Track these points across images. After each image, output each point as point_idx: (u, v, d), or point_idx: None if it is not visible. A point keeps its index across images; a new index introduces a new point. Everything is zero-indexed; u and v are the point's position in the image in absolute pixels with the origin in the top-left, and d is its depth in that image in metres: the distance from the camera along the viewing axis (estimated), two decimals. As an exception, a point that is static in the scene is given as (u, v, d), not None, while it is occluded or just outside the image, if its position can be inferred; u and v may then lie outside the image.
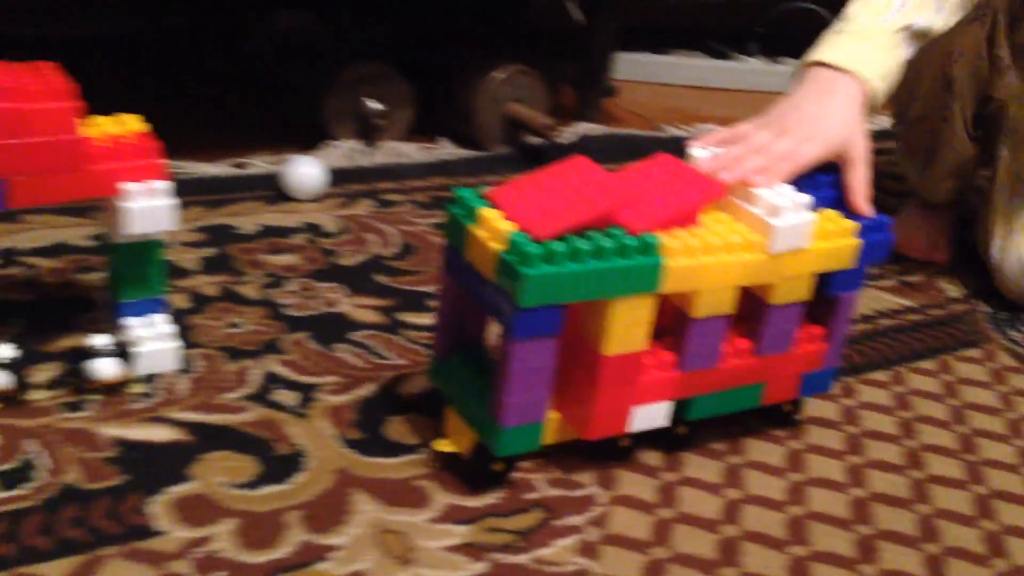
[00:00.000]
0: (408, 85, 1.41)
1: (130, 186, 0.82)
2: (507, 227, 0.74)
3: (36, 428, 0.81)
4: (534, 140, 1.50)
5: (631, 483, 0.83)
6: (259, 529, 0.74)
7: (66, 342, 0.91)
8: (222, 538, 0.73)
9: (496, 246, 0.73)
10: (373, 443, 0.84)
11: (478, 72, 1.45)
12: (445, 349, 0.83)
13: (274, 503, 0.77)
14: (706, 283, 0.79)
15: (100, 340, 0.85)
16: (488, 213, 0.75)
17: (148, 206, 0.84)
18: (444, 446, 0.81)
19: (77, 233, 1.11)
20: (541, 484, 0.82)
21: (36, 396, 0.84)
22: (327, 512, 0.77)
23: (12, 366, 0.82)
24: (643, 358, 0.80)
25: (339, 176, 1.32)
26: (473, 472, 0.80)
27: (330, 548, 0.73)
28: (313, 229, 1.20)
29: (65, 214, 1.14)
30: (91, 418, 0.83)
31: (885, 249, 0.87)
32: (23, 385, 0.83)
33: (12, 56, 0.82)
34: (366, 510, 0.77)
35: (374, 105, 1.37)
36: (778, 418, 0.92)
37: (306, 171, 1.24)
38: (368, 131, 1.39)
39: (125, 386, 0.86)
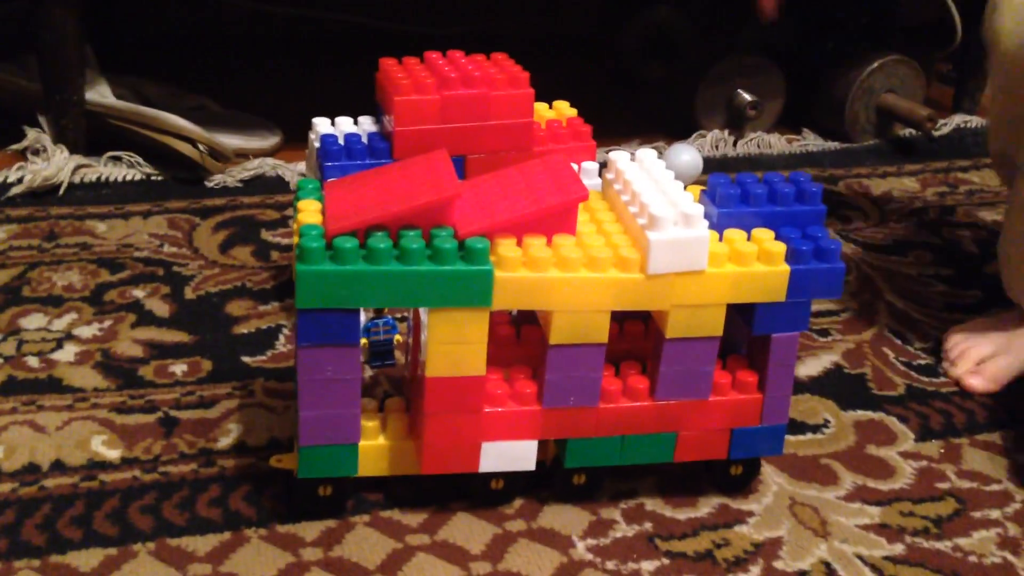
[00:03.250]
0: (781, 76, 1.38)
1: (588, 165, 0.81)
2: (312, 220, 0.63)
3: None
4: (907, 132, 1.42)
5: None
6: (678, 488, 0.74)
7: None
8: (648, 492, 0.74)
9: (296, 241, 0.62)
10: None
11: (852, 62, 1.39)
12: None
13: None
14: (561, 304, 0.63)
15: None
16: (306, 205, 0.64)
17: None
18: (280, 462, 0.70)
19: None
20: (951, 474, 0.78)
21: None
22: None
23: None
24: (490, 386, 0.65)
25: (706, 166, 1.24)
26: (295, 493, 0.68)
27: (748, 513, 0.73)
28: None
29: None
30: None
31: (834, 281, 0.67)
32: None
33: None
34: (777, 482, 0.75)
35: (747, 96, 1.34)
36: (724, 480, 0.74)
37: (686, 159, 1.19)
38: (738, 122, 1.36)
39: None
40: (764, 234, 0.66)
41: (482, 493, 0.71)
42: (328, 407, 0.64)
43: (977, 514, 0.75)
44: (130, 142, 1.17)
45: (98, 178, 1.14)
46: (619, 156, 0.72)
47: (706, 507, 0.73)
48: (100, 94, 1.16)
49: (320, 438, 0.65)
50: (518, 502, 0.71)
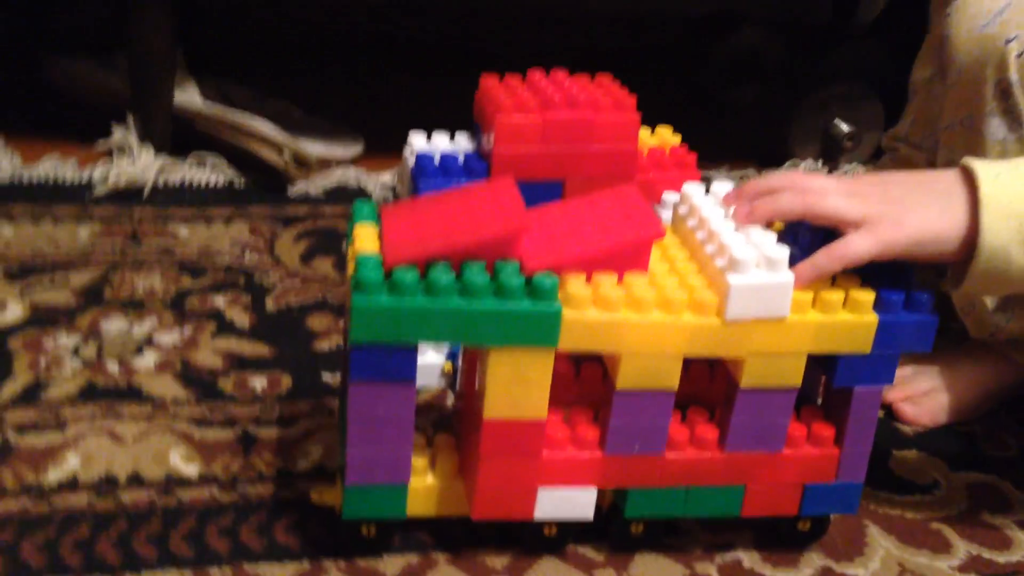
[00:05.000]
0: (880, 106, 1.34)
1: (669, 195, 0.79)
2: (370, 248, 0.62)
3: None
4: None
5: None
6: (776, 543, 0.72)
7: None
8: (744, 546, 0.72)
9: (351, 269, 0.62)
10: (883, 478, 0.78)
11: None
12: (341, 386, 0.71)
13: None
14: (630, 346, 0.61)
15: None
16: (362, 231, 0.64)
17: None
18: (320, 496, 0.69)
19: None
20: None
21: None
22: (845, 540, 0.73)
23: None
24: (549, 429, 0.64)
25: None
26: (340, 532, 0.68)
27: None
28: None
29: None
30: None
31: (924, 333, 0.64)
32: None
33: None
34: (884, 546, 0.73)
35: (845, 127, 1.31)
36: (790, 535, 0.71)
37: None
38: (833, 153, 1.33)
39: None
40: (850, 280, 0.64)
41: (534, 539, 0.69)
42: (378, 446, 0.63)
43: None
44: (214, 145, 1.18)
45: (181, 180, 1.15)
46: (693, 189, 0.70)
47: (808, 568, 0.71)
48: (188, 96, 1.17)
49: (368, 477, 0.64)
50: (605, 551, 0.70)
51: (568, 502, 0.66)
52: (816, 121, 1.31)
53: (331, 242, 1.06)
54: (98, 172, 1.14)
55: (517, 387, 0.61)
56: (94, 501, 0.70)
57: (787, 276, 0.61)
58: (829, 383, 0.66)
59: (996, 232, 0.63)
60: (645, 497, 0.67)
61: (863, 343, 0.64)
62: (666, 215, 0.74)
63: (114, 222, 1.07)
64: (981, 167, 0.64)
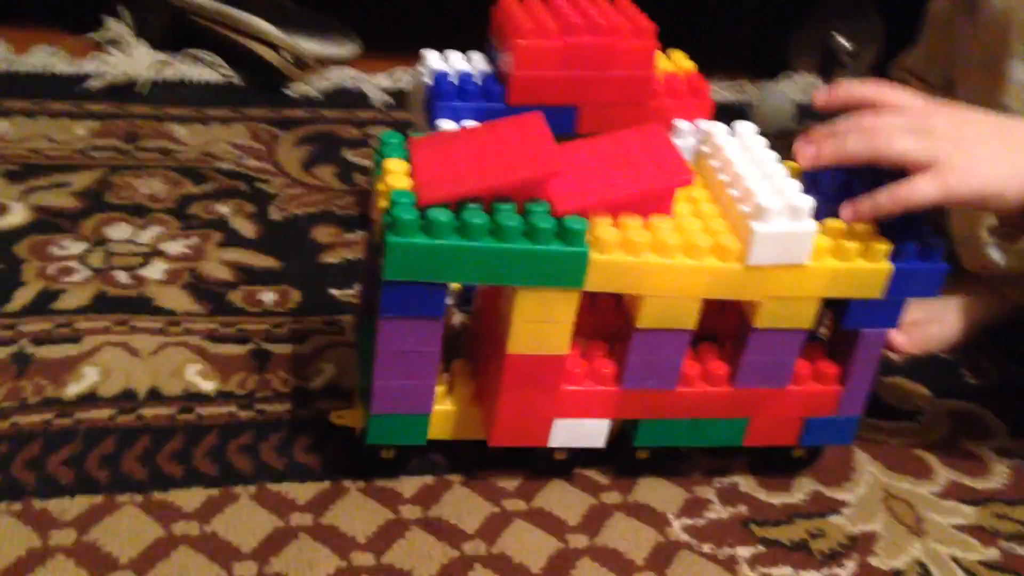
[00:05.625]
0: (881, 21, 1.34)
1: (682, 123, 0.79)
2: (400, 183, 0.62)
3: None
4: None
5: None
6: (770, 469, 0.75)
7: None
8: (740, 470, 0.75)
9: (383, 205, 0.62)
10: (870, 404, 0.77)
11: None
12: (362, 312, 0.73)
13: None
14: (653, 288, 0.63)
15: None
16: (393, 165, 0.64)
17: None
18: (341, 418, 0.71)
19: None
20: None
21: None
22: (834, 466, 0.76)
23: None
24: (568, 363, 0.66)
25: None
26: (360, 454, 0.70)
27: (842, 503, 0.74)
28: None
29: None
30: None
31: (934, 280, 0.67)
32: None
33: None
34: (871, 471, 0.77)
35: (845, 43, 1.31)
36: (783, 461, 0.75)
37: (780, 104, 1.19)
38: (830, 66, 1.33)
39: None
40: (866, 227, 0.66)
41: (544, 463, 0.71)
42: (404, 378, 0.64)
43: None
44: (210, 41, 1.16)
45: (177, 77, 1.13)
46: (717, 129, 0.71)
47: (800, 492, 0.74)
48: (184, -12, 1.15)
49: (392, 407, 0.66)
50: (610, 474, 0.72)
51: (582, 431, 0.68)
52: (815, 34, 1.32)
53: (332, 149, 1.06)
54: (91, 66, 1.12)
55: (541, 325, 0.63)
56: (116, 416, 0.72)
57: (810, 225, 0.63)
58: (838, 323, 0.68)
59: None
60: (654, 427, 0.69)
61: (876, 289, 0.66)
62: (679, 142, 0.75)
63: (109, 119, 1.06)
64: None
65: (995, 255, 0.86)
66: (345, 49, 1.22)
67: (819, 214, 0.65)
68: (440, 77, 0.81)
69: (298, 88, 1.15)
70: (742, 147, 0.69)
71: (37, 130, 1.02)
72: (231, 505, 0.66)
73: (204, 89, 1.13)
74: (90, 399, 0.72)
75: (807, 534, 0.71)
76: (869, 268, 0.65)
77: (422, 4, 1.39)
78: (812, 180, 0.67)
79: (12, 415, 0.70)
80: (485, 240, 0.60)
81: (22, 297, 0.81)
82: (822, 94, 0.68)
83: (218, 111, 1.10)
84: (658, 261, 0.62)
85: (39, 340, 0.77)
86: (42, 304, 0.80)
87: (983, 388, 0.87)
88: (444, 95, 0.80)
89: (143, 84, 1.10)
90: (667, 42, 0.84)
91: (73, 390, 0.73)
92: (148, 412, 0.72)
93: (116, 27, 1.13)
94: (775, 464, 0.75)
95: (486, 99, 0.80)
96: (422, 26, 1.33)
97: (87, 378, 0.74)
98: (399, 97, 1.17)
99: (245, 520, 0.65)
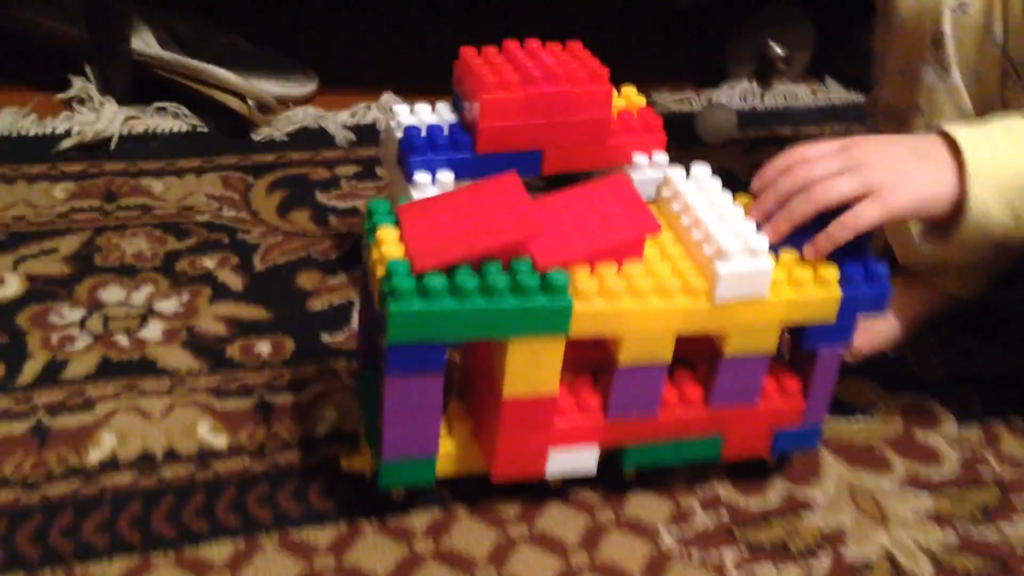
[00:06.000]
0: (812, 28, 1.40)
1: (638, 157, 0.89)
2: (395, 251, 0.68)
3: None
4: None
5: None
6: (745, 473, 0.82)
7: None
8: (718, 476, 0.82)
9: (381, 271, 0.68)
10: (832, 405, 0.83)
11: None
12: (362, 362, 0.78)
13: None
14: (631, 330, 0.70)
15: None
16: (385, 234, 0.70)
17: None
18: (351, 463, 0.77)
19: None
20: (992, 460, 0.87)
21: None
22: (803, 467, 0.84)
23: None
24: (559, 400, 0.72)
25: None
26: (374, 496, 0.75)
27: (813, 501, 0.81)
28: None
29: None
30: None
31: (879, 301, 0.74)
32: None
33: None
34: (837, 469, 0.84)
35: (779, 50, 1.38)
36: (757, 465, 0.82)
37: (724, 116, 1.24)
38: (767, 74, 1.40)
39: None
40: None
41: (541, 488, 0.78)
42: (410, 427, 0.70)
43: (1017, 500, 0.83)
44: (173, 91, 1.20)
45: (145, 130, 1.17)
46: (676, 174, 0.77)
47: (774, 493, 0.81)
48: (145, 43, 1.18)
49: (401, 453, 0.71)
50: (601, 491, 0.79)
51: (575, 460, 0.75)
52: (751, 42, 1.38)
53: (304, 192, 1.11)
54: (61, 126, 1.15)
55: (532, 369, 0.69)
56: (139, 480, 0.76)
57: (767, 262, 0.70)
58: (797, 344, 0.75)
59: (981, 198, 0.72)
60: (640, 450, 0.76)
61: (829, 314, 0.73)
62: (636, 176, 0.81)
63: (86, 179, 1.09)
64: (961, 134, 0.73)
65: (925, 247, 0.93)
66: (305, 88, 1.27)
67: (777, 245, 0.72)
68: (411, 131, 0.86)
69: (263, 132, 1.19)
70: (699, 189, 0.75)
71: (18, 196, 1.06)
72: (258, 554, 0.72)
73: (173, 139, 1.17)
74: (111, 465, 0.77)
75: (785, 533, 0.78)
76: (822, 296, 0.72)
77: (376, 39, 1.43)
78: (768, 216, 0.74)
79: (41, 487, 0.75)
80: (477, 301, 0.66)
81: (31, 369, 0.85)
82: (756, 180, 0.75)
83: (189, 161, 1.14)
84: (634, 305, 0.69)
85: (54, 411, 0.81)
86: (51, 374, 0.85)
87: (930, 381, 0.95)
88: (417, 150, 0.85)
89: (114, 141, 1.13)
90: (613, 56, 0.89)
91: (94, 457, 0.78)
92: (168, 472, 0.77)
93: (82, 85, 1.17)
94: (750, 470, 0.82)
95: (456, 150, 0.86)
96: (376, 60, 1.38)
97: (105, 445, 0.79)
98: (361, 133, 1.22)
99: (273, 568, 0.71)
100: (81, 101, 1.17)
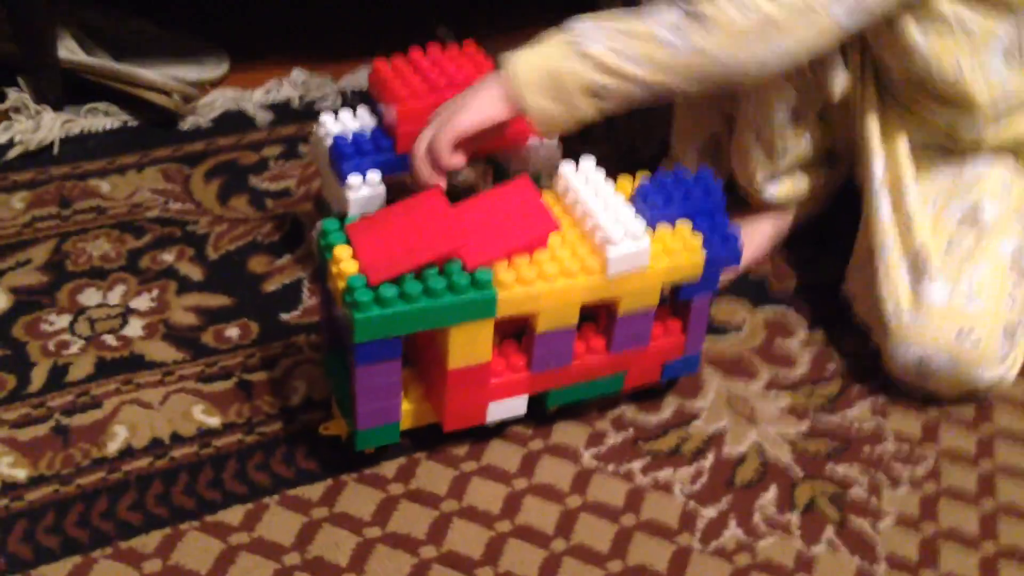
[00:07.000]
0: None
1: (533, 141, 1.05)
2: (351, 267, 0.84)
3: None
4: None
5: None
6: (647, 395, 1.01)
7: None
8: (626, 400, 1.01)
9: (342, 284, 0.84)
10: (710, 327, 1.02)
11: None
12: (327, 344, 0.95)
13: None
14: (544, 306, 0.88)
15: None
16: (340, 252, 0.85)
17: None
18: (327, 430, 0.95)
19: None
20: (836, 356, 1.08)
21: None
22: (689, 383, 1.03)
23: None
24: (493, 364, 0.90)
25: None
26: (350, 454, 0.94)
27: (699, 410, 1.01)
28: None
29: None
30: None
31: (734, 254, 0.93)
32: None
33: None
34: (716, 381, 1.04)
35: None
36: (651, 388, 1.02)
37: None
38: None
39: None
40: (684, 227, 0.91)
41: (482, 429, 0.96)
42: (377, 402, 0.88)
43: (855, 389, 1.04)
44: (101, 90, 1.30)
45: (81, 131, 1.29)
46: (568, 171, 0.94)
47: (668, 408, 1.01)
48: (70, 51, 1.28)
49: (372, 423, 0.89)
50: (531, 426, 0.98)
51: (508, 408, 0.94)
52: None
53: (239, 178, 1.25)
54: (2, 136, 1.26)
55: (470, 346, 0.87)
56: (154, 462, 0.93)
57: (646, 243, 0.88)
58: (675, 295, 0.94)
59: (532, 99, 0.90)
60: (560, 392, 0.95)
61: (697, 273, 0.92)
62: (532, 156, 0.97)
63: (38, 187, 1.21)
64: (510, 57, 0.91)
65: (771, 191, 1.13)
66: (218, 70, 1.38)
67: (652, 221, 0.91)
68: (338, 139, 1.01)
69: (189, 120, 1.31)
70: (586, 180, 0.93)
71: (-23, 208, 1.18)
72: (265, 513, 0.89)
73: (108, 137, 1.29)
74: (129, 453, 0.93)
75: (679, 440, 0.98)
76: (691, 260, 0.91)
77: (284, 14, 1.53)
78: (642, 196, 0.92)
79: (74, 479, 0.91)
80: (422, 301, 0.83)
81: (39, 376, 1.00)
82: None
83: (128, 158, 1.26)
84: (546, 287, 0.87)
85: (68, 411, 0.97)
86: (57, 379, 1.00)
87: (786, 293, 1.15)
88: (346, 156, 1.01)
89: (55, 147, 1.24)
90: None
91: (113, 448, 0.94)
92: (177, 453, 0.94)
93: (17, 96, 1.27)
94: (648, 394, 1.02)
95: (379, 152, 1.01)
96: (284, 34, 1.49)
97: (119, 436, 0.95)
98: (278, 111, 1.35)
99: (279, 522, 0.88)
100: (17, 110, 1.27)
